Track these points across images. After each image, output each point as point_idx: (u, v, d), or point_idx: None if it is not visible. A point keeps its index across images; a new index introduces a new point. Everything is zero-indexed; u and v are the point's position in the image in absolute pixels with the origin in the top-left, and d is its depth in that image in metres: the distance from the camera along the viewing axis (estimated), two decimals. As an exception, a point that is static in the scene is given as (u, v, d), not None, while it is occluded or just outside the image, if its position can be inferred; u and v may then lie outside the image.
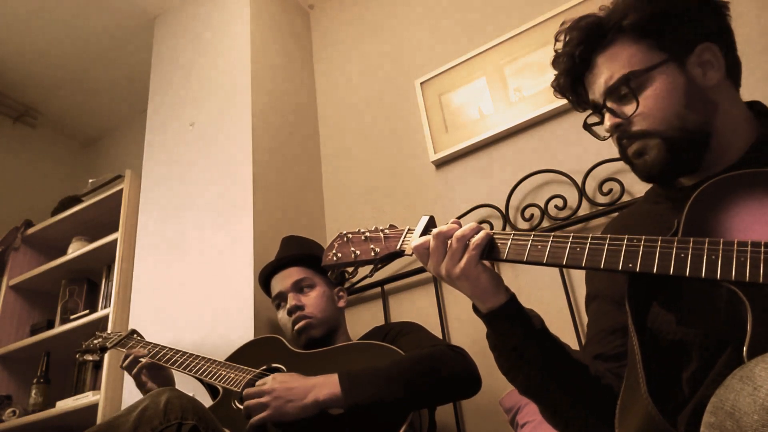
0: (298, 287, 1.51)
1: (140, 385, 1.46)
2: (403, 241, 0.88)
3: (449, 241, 0.80)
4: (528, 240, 0.76)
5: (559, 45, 0.90)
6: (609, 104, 0.82)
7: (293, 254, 1.57)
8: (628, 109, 0.81)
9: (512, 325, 0.80)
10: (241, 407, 1.29)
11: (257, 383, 1.21)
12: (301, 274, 1.52)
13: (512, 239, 0.77)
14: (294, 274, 1.52)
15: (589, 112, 0.91)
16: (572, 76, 0.89)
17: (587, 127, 0.91)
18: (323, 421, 1.14)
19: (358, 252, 0.91)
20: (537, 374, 0.80)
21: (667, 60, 0.80)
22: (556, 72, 0.91)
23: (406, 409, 1.14)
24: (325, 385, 1.14)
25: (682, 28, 0.81)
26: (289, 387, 1.15)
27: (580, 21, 0.86)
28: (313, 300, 1.49)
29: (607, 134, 0.85)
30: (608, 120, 0.82)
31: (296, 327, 1.45)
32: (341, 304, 1.57)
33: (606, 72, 0.83)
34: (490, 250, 0.79)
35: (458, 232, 0.79)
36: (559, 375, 0.79)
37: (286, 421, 1.13)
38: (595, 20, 0.85)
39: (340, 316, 1.56)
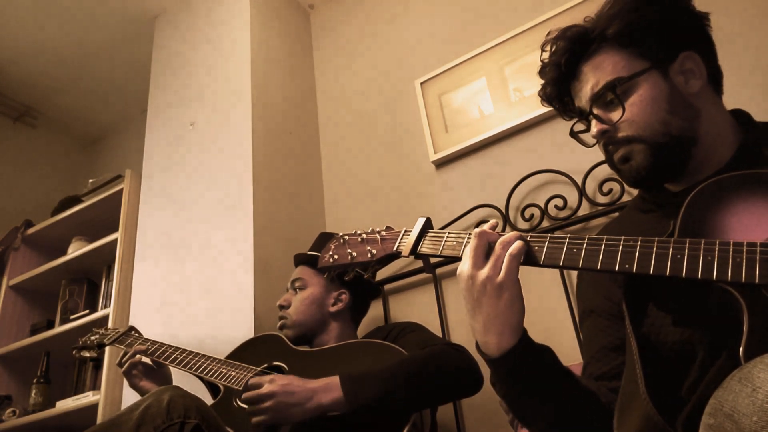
0: (293, 286, 1.58)
1: (133, 385, 1.44)
2: (399, 242, 0.88)
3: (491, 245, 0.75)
4: None
5: (546, 55, 0.91)
6: (595, 111, 0.84)
7: (302, 254, 1.63)
8: (614, 115, 0.82)
9: (533, 365, 0.75)
10: (243, 406, 1.30)
11: (251, 381, 1.21)
12: (298, 274, 1.59)
13: None
14: (295, 273, 1.60)
15: (575, 120, 0.92)
16: (558, 85, 0.91)
17: (574, 134, 0.92)
18: (325, 421, 1.14)
19: (354, 254, 0.91)
20: (556, 414, 0.77)
21: (650, 68, 0.81)
22: (542, 81, 0.93)
23: (409, 410, 1.14)
24: (328, 390, 1.14)
25: (665, 37, 0.83)
26: (290, 391, 1.14)
27: (566, 31, 0.88)
28: (295, 302, 1.54)
29: (594, 141, 0.87)
30: (595, 126, 0.84)
31: (278, 323, 1.55)
32: (334, 308, 1.53)
33: (592, 79, 0.84)
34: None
35: (502, 239, 0.75)
36: (576, 411, 0.77)
37: (286, 424, 1.13)
38: (580, 30, 0.87)
39: (328, 320, 1.53)
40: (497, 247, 0.74)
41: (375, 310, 1.90)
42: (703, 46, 0.85)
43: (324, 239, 1.61)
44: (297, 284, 1.56)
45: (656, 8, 0.82)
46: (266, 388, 1.16)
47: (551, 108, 1.77)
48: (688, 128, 0.80)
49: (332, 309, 1.54)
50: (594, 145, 0.88)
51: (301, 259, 1.63)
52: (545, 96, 0.94)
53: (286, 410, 1.12)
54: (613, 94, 0.81)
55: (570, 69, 0.88)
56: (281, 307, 1.55)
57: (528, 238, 0.75)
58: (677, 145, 0.79)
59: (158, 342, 1.50)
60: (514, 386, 0.76)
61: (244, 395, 1.19)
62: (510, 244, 0.73)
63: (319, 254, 1.52)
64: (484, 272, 0.73)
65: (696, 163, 0.81)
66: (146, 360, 1.46)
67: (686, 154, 0.80)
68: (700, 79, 0.83)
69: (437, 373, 1.17)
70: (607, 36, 0.84)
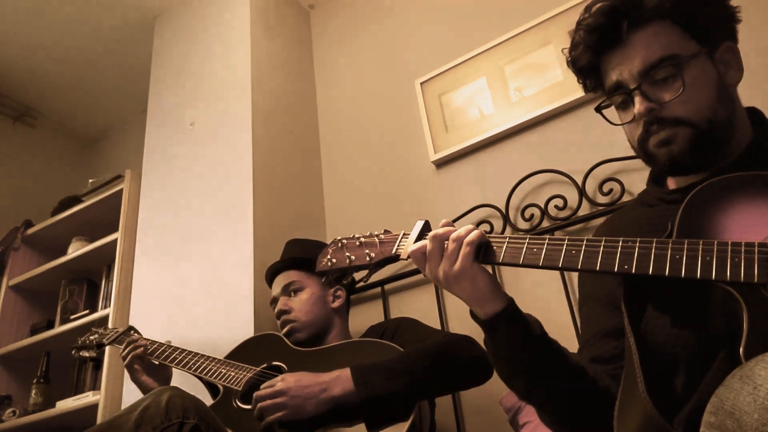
0: (287, 291, 1.53)
1: (135, 379, 1.44)
2: (398, 245, 0.88)
3: (445, 243, 0.80)
4: (524, 243, 0.76)
5: (587, 16, 0.83)
6: (644, 87, 0.78)
7: (286, 258, 1.59)
8: (667, 94, 0.77)
9: (512, 331, 0.79)
10: (243, 406, 1.29)
11: (263, 386, 1.19)
12: (291, 278, 1.54)
13: (508, 242, 0.77)
14: (284, 279, 1.55)
15: (603, 99, 0.86)
16: (596, 51, 0.83)
17: (599, 109, 0.86)
18: (335, 414, 1.13)
19: (353, 257, 0.91)
20: (537, 380, 0.80)
21: (701, 51, 0.78)
22: (577, 42, 0.85)
23: (419, 399, 1.14)
24: (339, 381, 1.14)
25: (714, 23, 0.80)
26: (304, 385, 1.15)
27: None
28: (299, 303, 1.50)
29: (623, 120, 0.83)
30: (640, 103, 0.77)
31: (283, 331, 1.49)
32: (335, 304, 1.55)
33: (643, 51, 0.78)
34: (486, 254, 0.79)
35: (454, 234, 0.79)
36: (558, 379, 0.79)
37: (303, 418, 1.13)
38: None
39: (333, 316, 1.54)
40: (449, 242, 0.79)
41: (375, 310, 1.90)
42: (736, 39, 0.83)
43: (291, 247, 1.63)
44: (292, 287, 1.52)
45: None
46: (280, 385, 1.15)
47: (551, 107, 1.79)
48: (728, 118, 0.78)
49: (334, 305, 1.54)
50: (620, 124, 0.84)
51: (284, 266, 1.58)
52: (574, 60, 0.86)
53: (302, 404, 1.12)
54: (675, 69, 0.76)
55: (616, 35, 0.80)
56: (282, 312, 1.49)
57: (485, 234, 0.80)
58: (719, 134, 0.77)
59: (157, 342, 1.50)
60: (501, 345, 0.80)
61: (257, 394, 1.18)
62: (461, 238, 0.79)
63: (299, 257, 1.53)
64: (441, 270, 0.80)
65: (721, 155, 0.79)
66: (153, 361, 1.47)
67: (724, 144, 0.78)
68: (738, 71, 0.81)
69: (449, 363, 1.18)
70: (664, 8, 0.78)
